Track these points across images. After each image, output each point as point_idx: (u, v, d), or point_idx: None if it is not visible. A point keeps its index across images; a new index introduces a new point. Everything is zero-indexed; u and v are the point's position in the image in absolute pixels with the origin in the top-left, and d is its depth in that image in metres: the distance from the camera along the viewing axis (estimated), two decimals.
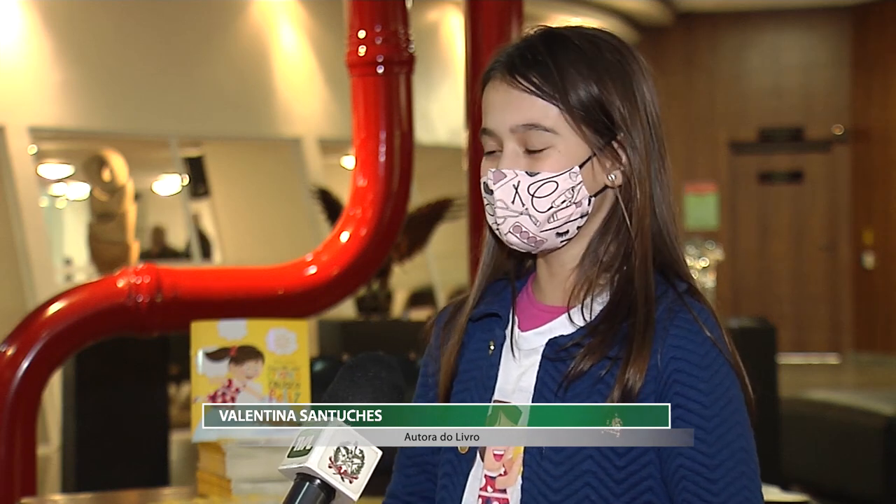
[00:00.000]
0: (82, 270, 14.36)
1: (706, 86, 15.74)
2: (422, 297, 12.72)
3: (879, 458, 6.62)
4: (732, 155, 15.83)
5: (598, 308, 1.76)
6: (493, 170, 1.77)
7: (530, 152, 1.76)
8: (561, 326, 1.77)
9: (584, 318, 1.75)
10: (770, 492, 3.42)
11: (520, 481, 1.75)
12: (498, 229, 1.78)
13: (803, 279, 15.71)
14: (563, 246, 1.79)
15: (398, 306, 12.19)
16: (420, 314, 10.91)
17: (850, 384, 13.71)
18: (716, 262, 8.58)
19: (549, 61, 1.75)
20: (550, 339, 1.76)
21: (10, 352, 4.02)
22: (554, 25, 1.82)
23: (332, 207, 9.04)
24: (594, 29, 1.81)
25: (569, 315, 1.77)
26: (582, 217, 1.77)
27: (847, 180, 15.62)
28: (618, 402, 1.69)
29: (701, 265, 8.24)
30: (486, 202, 1.80)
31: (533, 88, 1.75)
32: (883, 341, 15.16)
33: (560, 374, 1.74)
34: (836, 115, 15.63)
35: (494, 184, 1.76)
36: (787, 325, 14.79)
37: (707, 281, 8.19)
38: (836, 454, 6.96)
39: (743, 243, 15.76)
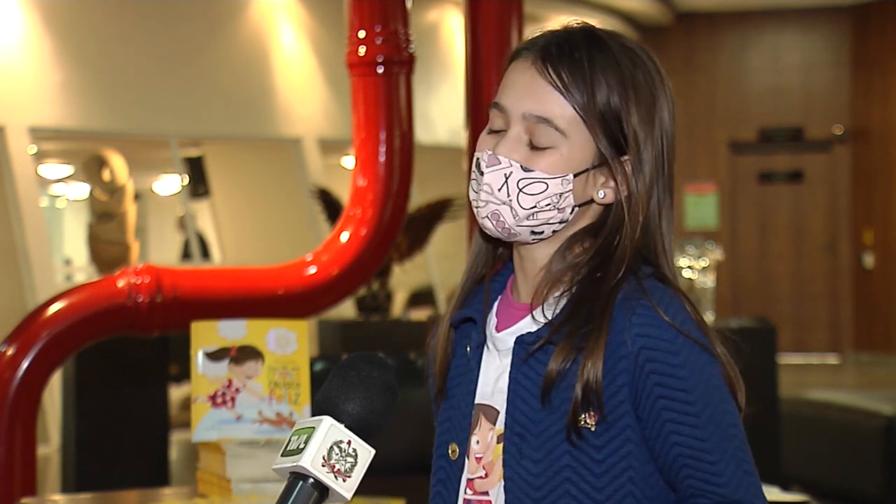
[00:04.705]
0: (82, 270, 14.37)
1: (706, 86, 15.74)
2: (422, 297, 12.72)
3: (879, 458, 6.62)
4: (732, 155, 15.83)
5: (557, 305, 1.75)
6: (489, 152, 1.76)
7: (533, 145, 1.75)
8: (527, 325, 1.77)
9: (545, 316, 1.75)
10: (770, 492, 3.42)
11: (502, 482, 1.75)
12: (477, 210, 1.78)
13: (803, 279, 15.71)
14: (535, 243, 1.79)
15: (398, 306, 12.18)
16: (420, 314, 10.91)
17: (850, 384, 13.71)
18: (716, 262, 8.57)
19: (584, 63, 1.73)
20: (518, 338, 1.76)
21: (10, 352, 4.02)
22: (598, 27, 1.80)
23: (332, 207, 9.03)
24: (635, 43, 1.79)
25: (532, 315, 1.76)
26: (561, 223, 1.77)
27: (847, 180, 15.62)
28: (581, 399, 1.69)
29: (701, 265, 8.24)
30: (472, 177, 1.79)
31: (560, 84, 1.73)
32: (883, 341, 15.16)
33: (532, 371, 1.74)
34: (836, 115, 15.63)
35: (487, 167, 1.76)
36: (787, 325, 14.79)
37: (707, 281, 8.20)
38: (836, 454, 6.96)
39: (743, 243, 15.76)
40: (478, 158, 1.78)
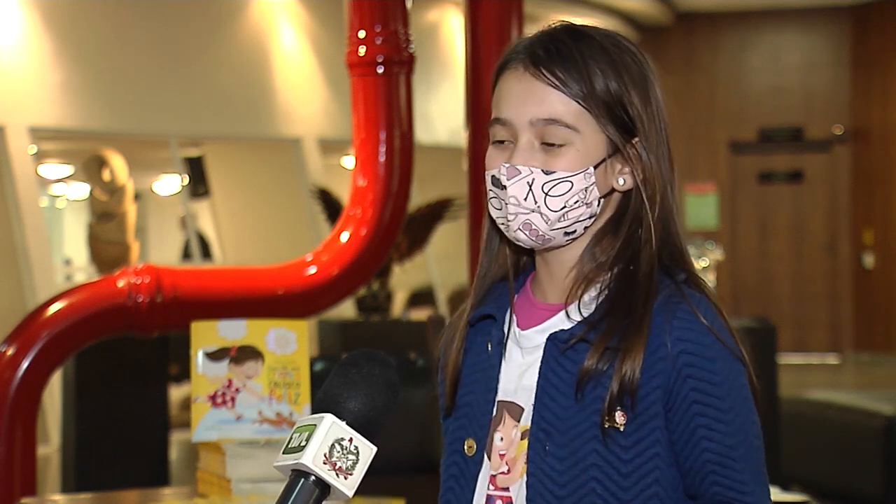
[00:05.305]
0: (82, 270, 14.37)
1: (706, 86, 15.74)
2: (422, 297, 12.72)
3: (879, 458, 6.62)
4: (732, 155, 15.83)
5: (593, 304, 1.76)
6: (506, 165, 1.75)
7: (547, 148, 1.74)
8: (560, 322, 1.77)
9: (581, 314, 1.75)
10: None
11: (523, 478, 1.75)
12: (507, 225, 1.77)
13: (803, 279, 15.71)
14: (566, 245, 1.79)
15: (398, 306, 12.19)
16: (420, 314, 10.91)
17: (850, 384, 13.71)
18: (716, 262, 8.57)
19: (576, 56, 1.74)
20: (551, 335, 1.75)
21: (10, 352, 4.02)
22: (575, 22, 1.81)
23: (332, 207, 9.04)
24: (612, 31, 1.81)
25: (566, 312, 1.76)
26: (590, 218, 1.77)
27: (847, 180, 15.62)
28: (616, 394, 1.69)
29: (701, 265, 8.24)
30: (491, 195, 1.78)
31: (558, 83, 1.73)
32: (883, 341, 15.16)
33: (562, 368, 1.74)
34: (836, 115, 15.63)
35: (508, 180, 1.75)
36: (787, 325, 14.79)
37: (707, 281, 8.21)
38: (836, 454, 6.96)
39: (743, 243, 15.76)
40: (494, 175, 1.77)
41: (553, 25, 1.80)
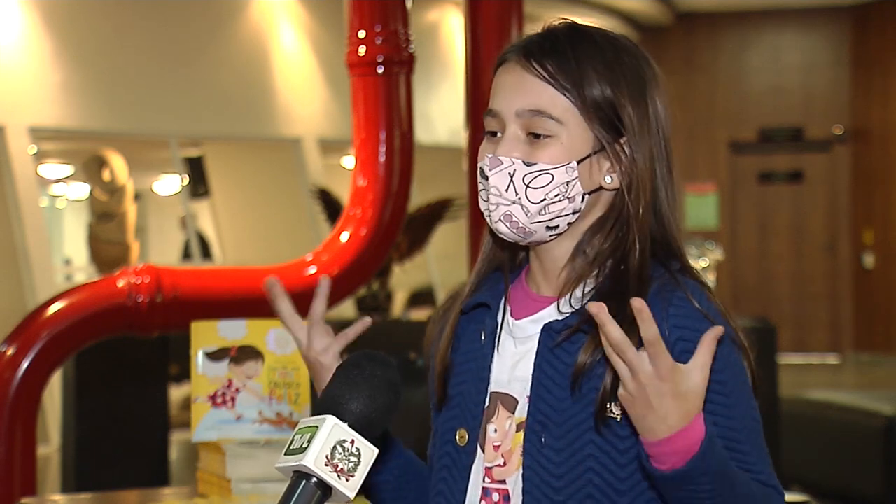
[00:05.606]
0: (82, 270, 14.37)
1: (706, 86, 15.74)
2: (422, 297, 12.72)
3: (879, 458, 6.62)
4: (732, 155, 15.83)
5: (585, 299, 1.75)
6: (490, 155, 1.76)
7: (532, 139, 1.75)
8: (551, 314, 1.77)
9: (572, 306, 1.75)
10: None
11: (520, 471, 1.75)
12: (489, 216, 1.78)
13: (803, 279, 15.71)
14: (553, 240, 1.79)
15: (398, 306, 12.18)
16: (420, 314, 10.91)
17: (850, 384, 13.71)
18: (716, 262, 8.58)
19: (568, 52, 1.74)
20: (546, 325, 1.75)
21: (10, 352, 4.02)
22: (578, 21, 1.82)
23: (332, 207, 9.04)
24: (615, 33, 1.81)
25: (558, 306, 1.76)
26: (574, 213, 1.77)
27: (847, 180, 15.62)
28: (610, 386, 1.69)
29: (701, 265, 8.24)
30: (480, 187, 1.79)
31: (547, 76, 1.74)
32: (883, 341, 15.16)
33: (558, 360, 1.74)
34: (836, 115, 15.63)
35: (490, 170, 1.75)
36: (787, 325, 14.79)
37: (707, 281, 8.21)
38: (836, 454, 6.96)
39: (743, 243, 15.76)
40: (480, 167, 1.78)
41: (555, 23, 1.80)
